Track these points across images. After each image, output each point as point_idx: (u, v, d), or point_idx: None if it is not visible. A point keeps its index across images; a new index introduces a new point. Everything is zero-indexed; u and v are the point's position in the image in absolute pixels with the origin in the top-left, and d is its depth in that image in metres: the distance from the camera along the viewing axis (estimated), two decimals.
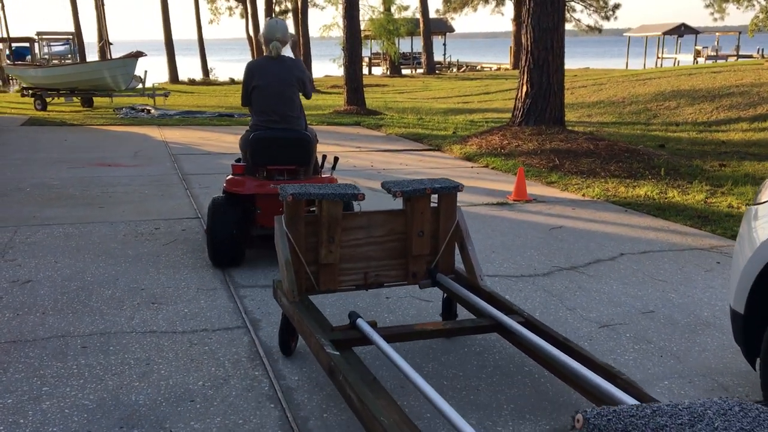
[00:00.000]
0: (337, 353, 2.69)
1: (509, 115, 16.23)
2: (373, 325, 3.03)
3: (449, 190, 3.50)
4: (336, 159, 5.54)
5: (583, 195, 7.42)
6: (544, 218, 6.34)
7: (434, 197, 3.47)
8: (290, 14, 38.68)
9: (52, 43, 50.10)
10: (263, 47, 4.93)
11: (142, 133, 12.14)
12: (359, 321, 3.04)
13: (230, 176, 4.84)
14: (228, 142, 11.02)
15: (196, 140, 11.31)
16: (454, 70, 47.89)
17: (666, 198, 7.12)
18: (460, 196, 7.16)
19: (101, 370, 3.21)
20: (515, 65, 43.00)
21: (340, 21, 17.39)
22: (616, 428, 1.31)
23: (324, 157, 5.47)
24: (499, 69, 45.56)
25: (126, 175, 8.05)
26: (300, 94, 4.94)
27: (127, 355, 3.37)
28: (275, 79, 4.79)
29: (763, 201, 2.69)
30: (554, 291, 4.38)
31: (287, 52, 5.06)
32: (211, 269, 4.68)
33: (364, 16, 34.27)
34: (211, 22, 46.54)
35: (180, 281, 4.43)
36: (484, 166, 9.28)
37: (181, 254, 5.01)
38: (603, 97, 17.15)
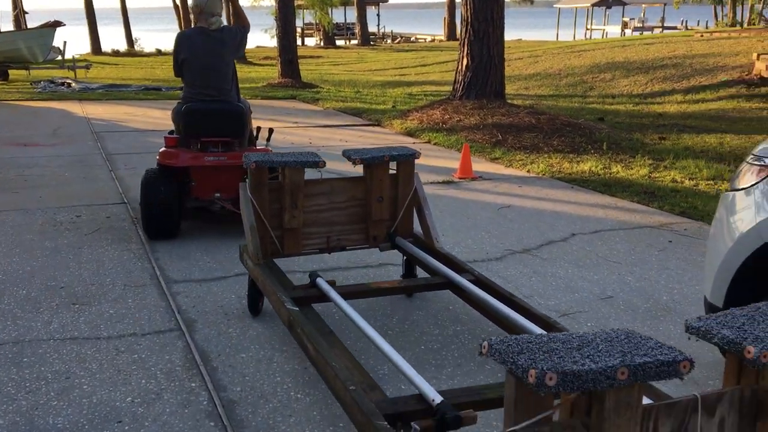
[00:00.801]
0: (296, 309, 2.84)
1: (447, 88, 16.03)
2: (332, 284, 3.21)
3: (407, 158, 3.68)
4: (270, 131, 5.49)
5: (528, 171, 7.27)
6: (491, 197, 6.14)
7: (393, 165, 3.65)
8: None
9: None
10: (195, 17, 4.84)
11: (61, 108, 11.37)
12: (318, 280, 3.23)
13: (163, 149, 4.79)
14: (156, 117, 10.42)
15: (121, 116, 10.65)
16: (389, 41, 47.37)
17: (610, 173, 7.04)
18: None
19: (13, 386, 2.82)
20: (450, 37, 42.84)
21: None
22: (513, 351, 1.43)
23: (258, 129, 5.41)
24: (434, 40, 45.31)
25: (44, 156, 7.44)
26: (234, 63, 4.94)
27: (44, 367, 2.98)
28: (207, 52, 4.74)
29: (741, 187, 2.52)
30: (509, 277, 4.18)
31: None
32: (139, 262, 4.28)
33: None
34: None
35: (104, 277, 4.02)
36: (426, 142, 9.04)
37: (106, 245, 4.57)
38: (539, 70, 17.14)
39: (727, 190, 2.66)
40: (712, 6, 44.11)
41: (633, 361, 1.40)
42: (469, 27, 10.14)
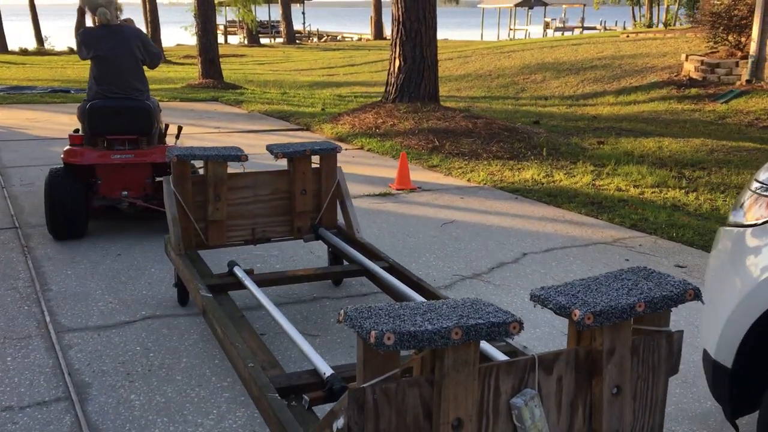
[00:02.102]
0: (210, 295, 2.95)
1: (378, 89, 15.58)
2: (249, 272, 3.33)
3: (329, 152, 3.80)
4: (180, 128, 5.52)
5: (469, 180, 6.86)
6: (433, 211, 5.68)
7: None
8: None
9: None
10: (88, 15, 4.84)
11: None
12: (236, 268, 3.33)
13: (68, 147, 4.74)
14: (62, 123, 9.49)
15: (22, 122, 9.67)
16: (315, 39, 46.61)
17: (554, 182, 6.70)
18: None
19: None
20: (377, 36, 42.47)
21: None
22: (362, 317, 1.54)
23: (166, 126, 5.38)
24: (360, 39, 44.85)
25: None
26: (143, 65, 4.90)
27: None
28: (115, 49, 4.71)
29: (749, 223, 2.10)
30: None
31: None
32: (26, 305, 3.58)
33: None
34: None
35: None
36: (359, 148, 8.52)
37: None
38: (470, 71, 16.89)
39: (729, 225, 2.24)
40: (630, 7, 45.49)
41: (467, 323, 1.52)
42: (400, 27, 9.67)
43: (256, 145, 8.43)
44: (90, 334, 3.28)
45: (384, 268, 3.37)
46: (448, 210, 5.72)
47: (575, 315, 1.62)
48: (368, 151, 8.37)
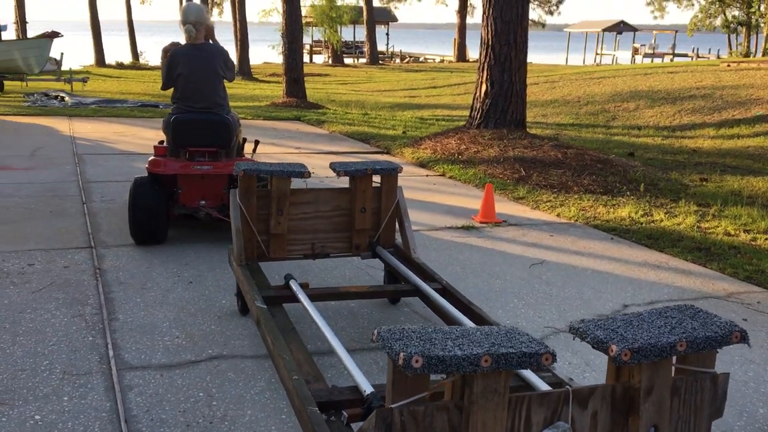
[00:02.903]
0: (264, 306, 3.01)
1: (460, 112, 15.25)
2: (304, 286, 3.44)
3: (390, 172, 3.85)
4: (256, 142, 5.84)
5: (559, 216, 6.41)
6: (520, 248, 5.28)
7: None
8: None
9: None
10: (183, 33, 5.05)
11: (48, 125, 10.57)
12: (291, 281, 3.41)
13: (152, 157, 4.98)
14: (147, 138, 9.59)
15: (110, 136, 9.83)
16: (398, 60, 46.80)
17: (653, 222, 6.17)
18: (419, 218, 6.04)
19: None
20: (459, 58, 42.26)
21: (280, 6, 16.01)
22: (393, 338, 1.56)
23: (244, 140, 5.61)
24: (443, 61, 44.73)
25: (12, 182, 6.61)
26: (223, 79, 5.09)
27: None
28: (199, 67, 4.92)
29: None
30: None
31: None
32: (90, 335, 3.41)
33: (306, 1, 32.83)
34: (143, 2, 44.01)
35: (41, 359, 3.15)
36: (440, 175, 8.19)
37: (55, 308, 3.71)
38: (557, 96, 16.33)
39: None
40: (726, 35, 43.53)
41: (497, 350, 1.52)
42: (489, 50, 9.33)
43: None
44: (152, 374, 3.06)
45: (437, 290, 3.39)
46: (536, 249, 5.30)
47: (612, 350, 1.59)
48: (450, 178, 8.04)
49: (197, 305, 3.86)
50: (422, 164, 8.75)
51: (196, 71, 4.91)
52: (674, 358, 1.73)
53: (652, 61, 41.50)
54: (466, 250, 5.17)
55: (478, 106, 9.62)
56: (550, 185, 7.45)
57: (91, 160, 7.94)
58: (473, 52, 45.10)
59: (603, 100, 15.09)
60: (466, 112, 14.68)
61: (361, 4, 39.15)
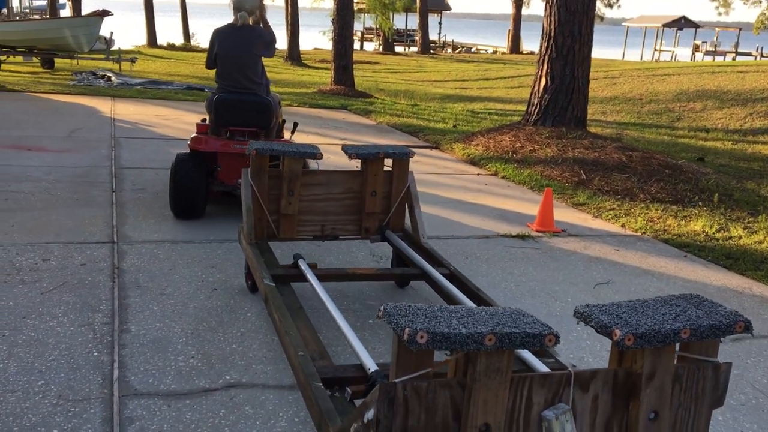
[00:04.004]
0: (273, 284, 3.04)
1: (513, 107, 14.60)
2: (313, 266, 3.43)
3: (401, 156, 3.84)
4: (295, 124, 5.89)
5: (624, 226, 5.82)
6: (582, 264, 4.73)
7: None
8: None
9: None
10: (232, 13, 5.13)
11: (91, 105, 10.35)
12: (300, 261, 3.42)
13: (194, 134, 5.11)
14: (189, 123, 9.27)
15: (151, 118, 9.55)
16: (449, 50, 45.97)
17: (731, 239, 5.54)
18: (469, 223, 5.54)
19: None
20: (513, 50, 41.25)
21: None
22: (399, 314, 1.57)
23: (284, 121, 5.69)
24: (495, 52, 43.75)
25: (44, 165, 6.32)
26: (263, 59, 5.16)
27: None
28: (238, 47, 4.99)
29: None
30: None
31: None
32: (95, 351, 3.02)
33: None
34: None
35: (37, 377, 2.77)
36: (492, 174, 7.65)
37: (62, 315, 3.33)
38: (617, 93, 15.52)
39: None
40: None
41: (502, 330, 1.54)
42: (551, 42, 8.71)
43: None
44: (159, 403, 2.64)
45: (444, 275, 3.40)
46: (600, 265, 4.75)
47: (616, 335, 1.60)
48: (503, 178, 7.49)
49: (219, 317, 3.44)
50: (473, 162, 8.21)
51: (233, 51, 5.01)
52: (677, 346, 1.73)
53: (713, 59, 39.90)
54: (522, 264, 4.65)
55: (535, 102, 9.02)
56: (614, 191, 6.84)
57: (128, 144, 7.64)
58: (527, 44, 44.02)
59: (667, 98, 14.25)
60: (520, 107, 14.04)
61: None
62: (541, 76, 8.91)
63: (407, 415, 1.55)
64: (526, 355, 2.44)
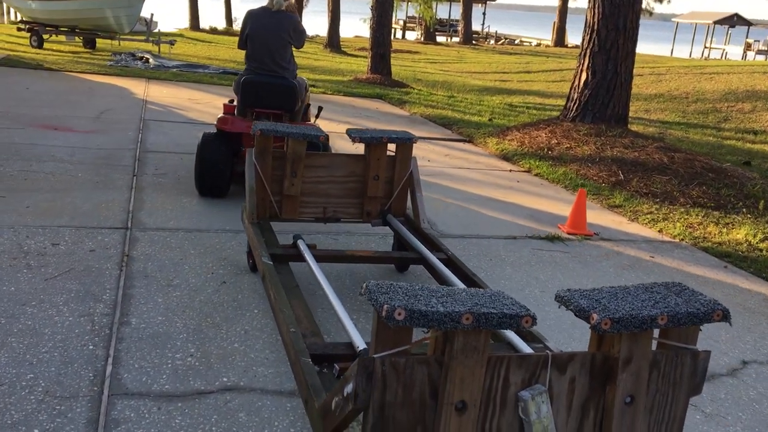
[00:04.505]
0: (271, 263, 3.10)
1: (553, 101, 14.20)
2: (312, 247, 3.44)
3: (405, 141, 3.85)
4: (320, 109, 5.87)
5: (661, 232, 5.53)
6: (614, 271, 4.47)
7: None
8: None
9: None
10: None
11: (124, 86, 10.34)
12: (299, 241, 3.44)
13: (221, 115, 5.18)
14: (220, 108, 9.10)
15: (183, 102, 9.48)
16: (492, 42, 45.33)
17: None
18: (496, 221, 5.31)
19: None
20: (558, 43, 40.46)
21: None
22: (380, 292, 1.60)
23: (308, 106, 5.63)
24: (539, 45, 42.98)
25: (68, 145, 6.27)
26: (291, 45, 5.19)
27: None
28: (268, 30, 5.06)
29: None
30: None
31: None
32: (91, 344, 2.89)
33: None
34: None
35: (26, 369, 2.65)
36: (525, 171, 7.39)
37: (63, 303, 3.22)
38: (662, 90, 15.01)
39: None
40: None
41: (479, 310, 1.56)
42: (594, 35, 8.36)
43: None
44: (149, 405, 2.50)
45: (442, 260, 3.42)
46: (634, 273, 4.48)
47: (593, 318, 1.62)
48: (536, 176, 7.22)
49: (224, 313, 3.30)
50: (506, 157, 7.95)
51: (263, 33, 5.06)
52: (657, 333, 1.75)
53: (765, 59, 38.60)
54: (549, 268, 4.41)
55: (575, 97, 8.69)
56: (652, 194, 6.52)
57: (157, 126, 7.57)
58: (573, 38, 43.13)
59: (715, 98, 13.71)
60: (560, 101, 13.65)
61: None
62: (582, 71, 8.58)
63: (385, 390, 1.57)
64: (515, 339, 2.44)
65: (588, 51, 8.45)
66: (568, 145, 7.95)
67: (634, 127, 9.63)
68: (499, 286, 4.01)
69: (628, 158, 7.39)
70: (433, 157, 7.61)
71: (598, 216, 5.81)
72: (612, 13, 8.21)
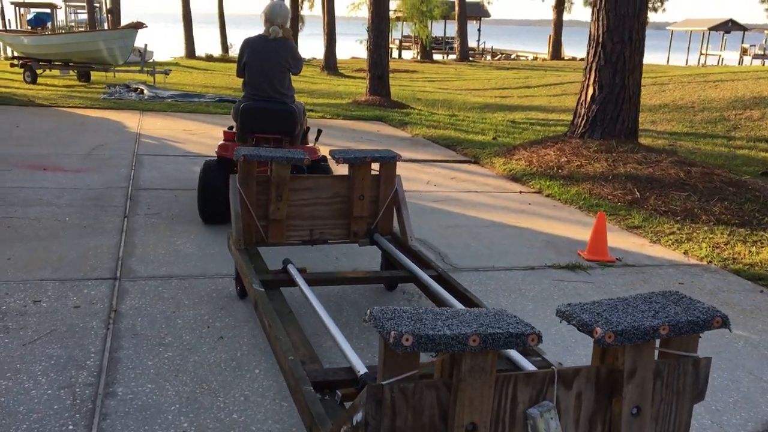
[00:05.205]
0: (262, 290, 3.06)
1: (556, 116, 13.93)
2: (302, 271, 3.44)
3: (388, 160, 3.89)
4: (319, 132, 5.82)
5: (686, 254, 5.19)
6: None
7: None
8: None
9: (78, 10, 48.42)
10: (263, 24, 5.22)
11: (118, 120, 10.06)
12: (289, 266, 3.44)
13: (222, 142, 5.28)
14: (216, 138, 8.88)
15: (178, 133, 9.21)
16: (488, 57, 45.26)
17: None
18: (512, 251, 4.99)
19: None
20: (554, 56, 40.37)
21: None
22: (385, 318, 1.60)
23: (308, 129, 5.65)
24: (536, 59, 42.90)
25: (57, 186, 5.97)
26: (290, 72, 5.23)
27: None
28: (267, 57, 5.11)
29: None
30: None
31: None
32: (70, 424, 2.55)
33: None
34: None
35: None
36: (536, 192, 7.07)
37: (41, 373, 2.89)
38: (667, 100, 14.73)
39: None
40: None
41: (485, 331, 1.57)
42: (599, 48, 8.09)
43: (416, 179, 7.24)
44: None
45: (432, 277, 3.42)
46: None
47: (596, 332, 1.63)
48: (548, 196, 6.90)
49: (221, 376, 2.96)
50: (515, 178, 7.64)
51: (262, 61, 5.09)
52: (658, 342, 1.76)
53: (763, 64, 38.48)
54: (573, 302, 4.07)
55: (582, 112, 8.40)
56: (672, 212, 6.19)
57: (150, 162, 7.27)
58: (569, 50, 43.04)
59: (722, 106, 13.43)
60: (564, 116, 13.37)
61: None
62: (588, 85, 8.29)
63: (395, 416, 1.57)
64: (514, 354, 2.42)
65: (594, 65, 8.17)
66: (579, 163, 7.64)
67: (643, 140, 9.34)
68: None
69: (642, 175, 7.07)
70: (439, 180, 7.30)
71: (617, 238, 5.48)
72: (617, 25, 7.94)
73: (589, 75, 8.27)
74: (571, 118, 9.29)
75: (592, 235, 5.00)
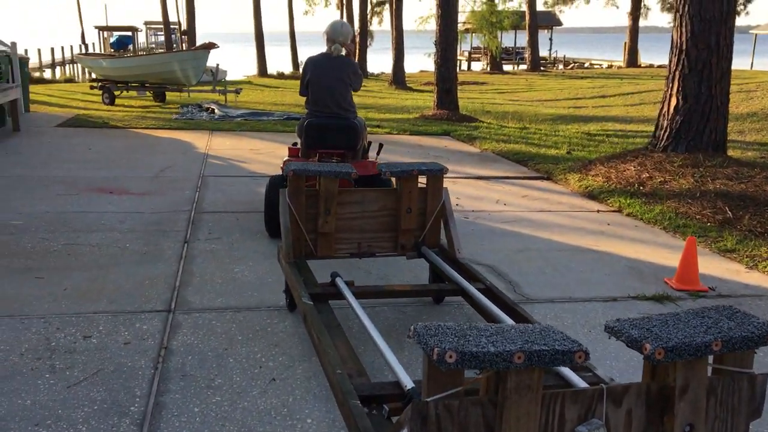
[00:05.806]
0: (311, 303, 3.11)
1: (634, 126, 13.29)
2: (350, 284, 3.45)
3: (435, 173, 3.92)
4: (380, 146, 5.96)
5: None
6: None
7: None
8: (386, 5, 36.52)
9: (158, 33, 50.15)
10: (325, 42, 5.30)
11: (188, 141, 10.13)
12: (337, 279, 3.47)
13: (286, 158, 5.39)
14: (281, 157, 8.73)
15: (245, 153, 9.16)
16: (561, 66, 44.26)
17: None
18: (591, 278, 4.59)
19: None
20: (630, 64, 39.10)
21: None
22: (429, 334, 1.59)
23: (369, 143, 5.69)
24: (611, 67, 41.65)
25: (121, 211, 5.93)
26: (351, 88, 5.30)
27: None
28: (330, 75, 5.18)
29: None
30: None
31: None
32: None
33: (465, 7, 31.60)
34: (306, 13, 44.96)
35: None
36: (615, 211, 6.61)
37: (82, 420, 2.71)
38: (755, 108, 13.83)
39: None
40: None
41: (530, 348, 1.54)
42: (682, 56, 7.56)
43: (484, 198, 6.90)
44: None
45: (480, 290, 3.39)
46: None
47: (646, 349, 1.59)
48: (628, 215, 6.43)
49: (271, 425, 2.72)
50: (592, 195, 7.18)
51: (325, 78, 5.19)
52: (711, 358, 1.70)
53: None
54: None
55: (665, 124, 7.86)
56: None
57: (215, 183, 7.21)
58: (645, 57, 41.60)
59: None
60: (642, 127, 12.72)
61: (524, 8, 37.24)
62: (671, 95, 7.76)
63: None
64: (563, 369, 2.36)
65: (677, 73, 7.64)
66: (662, 179, 7.12)
67: (731, 152, 8.69)
68: (604, 368, 3.29)
69: (734, 191, 6.50)
70: (509, 199, 6.93)
71: (708, 264, 4.99)
72: (702, 31, 7.39)
73: (672, 84, 7.74)
74: (651, 128, 8.75)
75: (681, 262, 4.54)
